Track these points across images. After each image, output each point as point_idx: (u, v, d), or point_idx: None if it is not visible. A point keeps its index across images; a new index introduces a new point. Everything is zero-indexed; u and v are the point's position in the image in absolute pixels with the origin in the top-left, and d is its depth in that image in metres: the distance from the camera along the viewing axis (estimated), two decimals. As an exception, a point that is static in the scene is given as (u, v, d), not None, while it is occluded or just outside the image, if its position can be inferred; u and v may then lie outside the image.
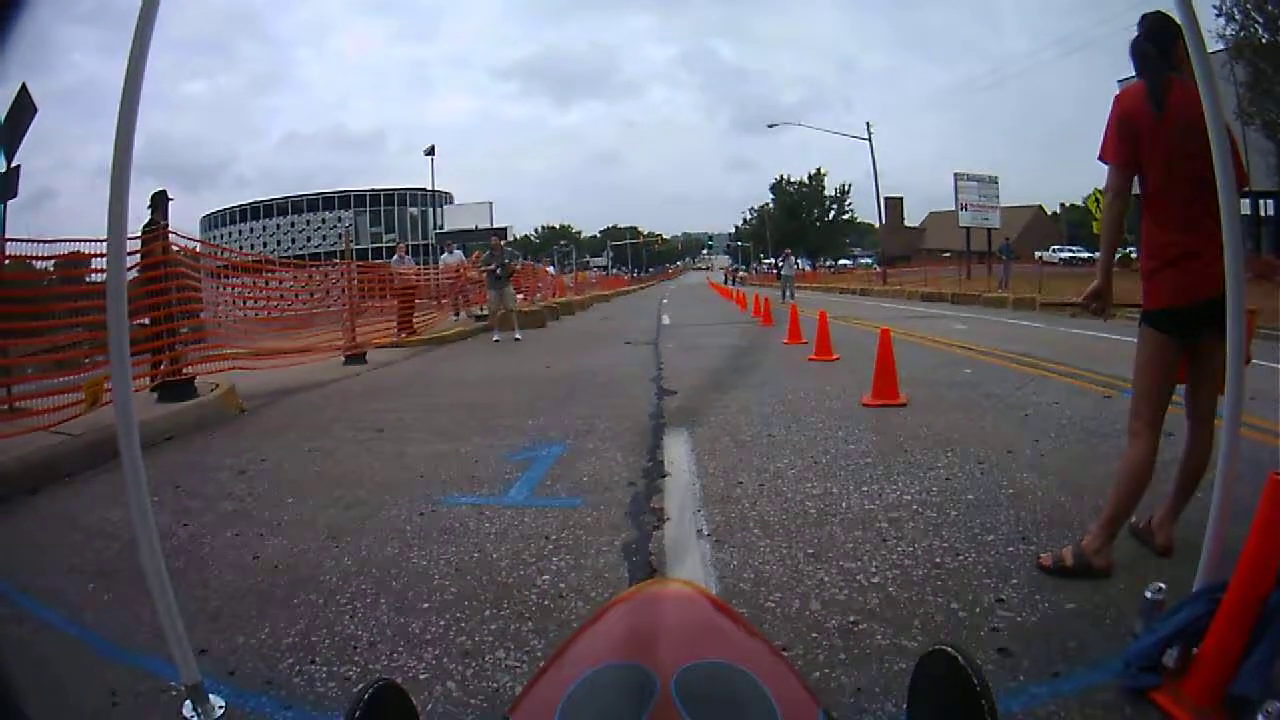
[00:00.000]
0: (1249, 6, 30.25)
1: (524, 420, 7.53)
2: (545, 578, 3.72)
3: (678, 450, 6.03)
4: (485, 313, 21.26)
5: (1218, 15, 30.74)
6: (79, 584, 3.96)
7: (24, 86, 6.66)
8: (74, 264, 8.35)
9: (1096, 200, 27.51)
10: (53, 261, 8.13)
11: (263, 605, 3.57)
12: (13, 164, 7.17)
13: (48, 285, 8.78)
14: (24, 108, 6.87)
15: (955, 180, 37.69)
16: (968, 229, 47.32)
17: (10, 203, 7.66)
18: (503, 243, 19.35)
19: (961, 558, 3.71)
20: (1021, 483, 4.43)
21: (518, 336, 17.48)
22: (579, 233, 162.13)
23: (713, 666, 0.97)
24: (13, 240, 7.52)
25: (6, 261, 7.65)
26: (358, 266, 16.54)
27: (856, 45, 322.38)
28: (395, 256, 20.34)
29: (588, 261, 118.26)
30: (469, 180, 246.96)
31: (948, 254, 59.84)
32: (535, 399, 8.81)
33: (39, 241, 7.60)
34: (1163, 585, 2.55)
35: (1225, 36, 30.76)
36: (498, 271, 17.32)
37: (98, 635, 3.32)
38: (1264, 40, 30.00)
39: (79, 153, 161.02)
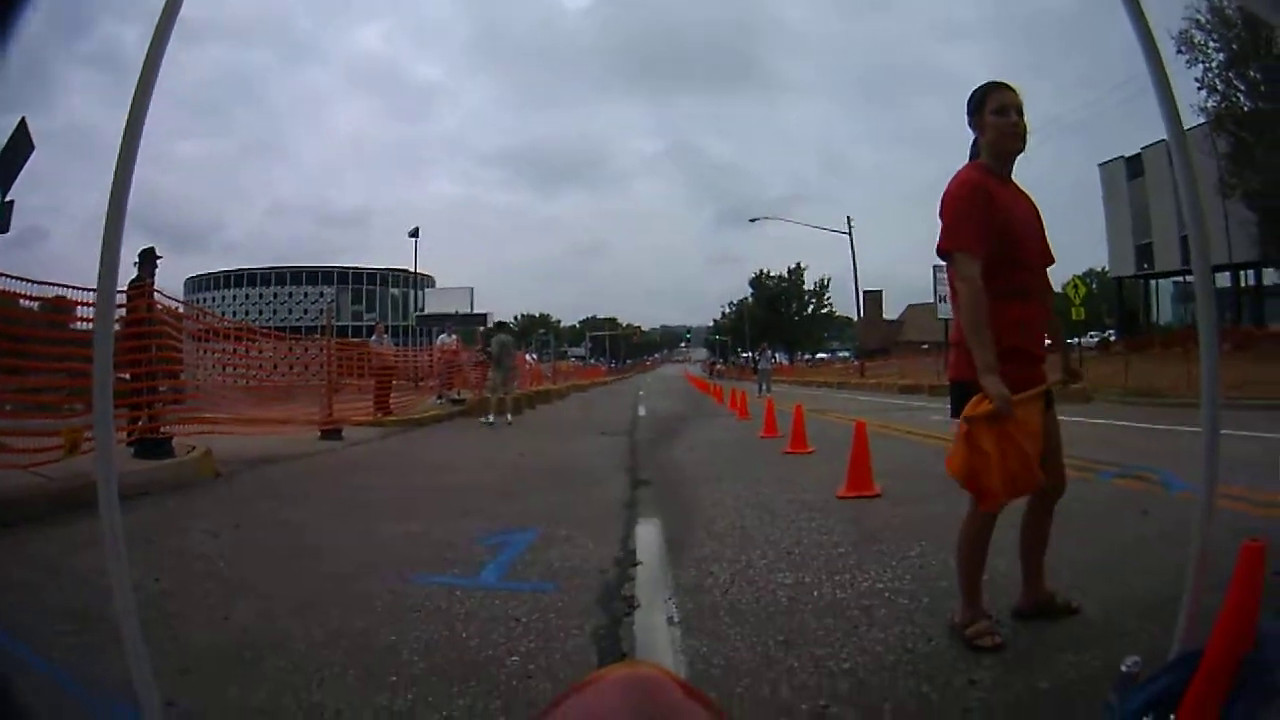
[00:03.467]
0: (1230, 75, 30.92)
1: (498, 505, 7.52)
2: (514, 659, 3.69)
3: (650, 539, 6.02)
4: (461, 397, 21.36)
5: (1199, 89, 31.44)
6: (50, 624, 3.94)
7: (23, 121, 6.72)
8: (59, 309, 8.37)
9: (1075, 287, 27.81)
10: (38, 303, 8.15)
11: (231, 665, 3.54)
12: (6, 198, 7.21)
13: (31, 326, 8.78)
14: (22, 143, 6.92)
15: (934, 273, 38.24)
16: (947, 321, 47.64)
17: (1, 238, 7.70)
18: (497, 330, 19.73)
19: (934, 643, 3.71)
20: (994, 569, 4.42)
21: (496, 419, 17.74)
22: (558, 321, 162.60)
23: None
24: (2, 276, 7.54)
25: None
26: (337, 343, 16.59)
27: (840, 141, 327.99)
28: (374, 336, 20.38)
29: (566, 351, 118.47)
30: (450, 264, 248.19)
31: (926, 345, 60.40)
32: (510, 485, 8.81)
33: (28, 281, 7.63)
34: (1138, 658, 2.56)
35: (1206, 110, 31.41)
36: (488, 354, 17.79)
37: (68, 676, 3.30)
38: (1245, 109, 30.58)
39: (73, 197, 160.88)
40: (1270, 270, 37.21)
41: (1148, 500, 6.40)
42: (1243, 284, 38.47)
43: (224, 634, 3.96)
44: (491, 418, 17.85)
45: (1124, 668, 2.55)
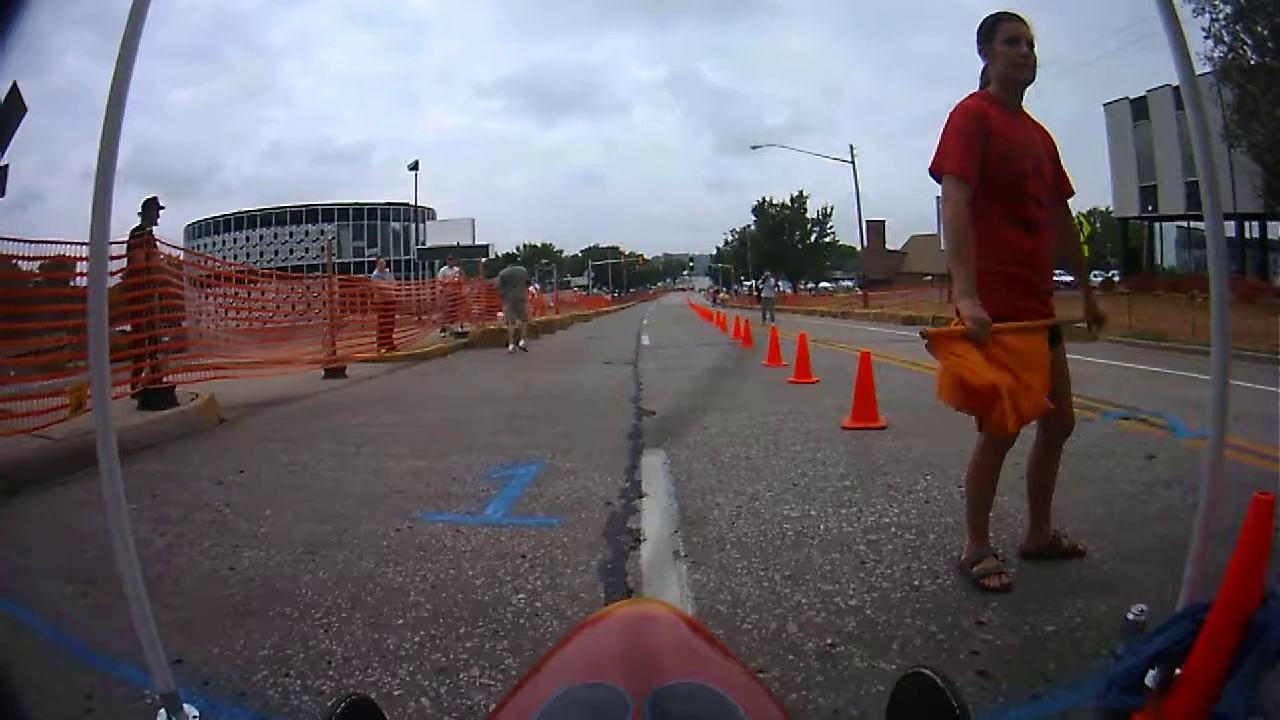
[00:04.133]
0: (1237, 29, 30.49)
1: (502, 438, 7.54)
2: (521, 596, 3.70)
3: (655, 471, 6.03)
4: (465, 330, 21.45)
5: (1206, 38, 30.99)
6: (56, 587, 3.95)
7: (15, 86, 6.61)
8: (59, 266, 8.31)
9: (1080, 225, 27.64)
10: (38, 264, 8.09)
11: (238, 617, 3.55)
12: (1, 162, 7.12)
13: (32, 287, 8.73)
14: (14, 107, 6.81)
15: (938, 203, 37.88)
16: (950, 251, 47.21)
17: (-1, 202, 7.62)
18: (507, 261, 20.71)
19: (941, 580, 3.71)
20: (1000, 505, 4.38)
21: (521, 347, 18.94)
22: (560, 251, 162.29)
23: (687, 687, 0.96)
24: (-2, 239, 7.48)
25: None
26: (339, 280, 16.52)
27: (842, 69, 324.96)
28: (375, 271, 20.33)
29: (569, 281, 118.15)
30: (452, 196, 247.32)
31: (929, 277, 60.07)
32: (513, 417, 8.81)
33: (24, 241, 7.57)
34: (1144, 607, 2.54)
35: (1213, 59, 31.02)
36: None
37: (74, 639, 3.29)
38: (1252, 62, 30.22)
39: (68, 155, 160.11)
40: (1276, 224, 36.92)
41: (1154, 445, 6.38)
42: (1247, 235, 38.15)
43: (230, 585, 3.97)
44: (511, 347, 18.87)
45: (1130, 616, 2.53)
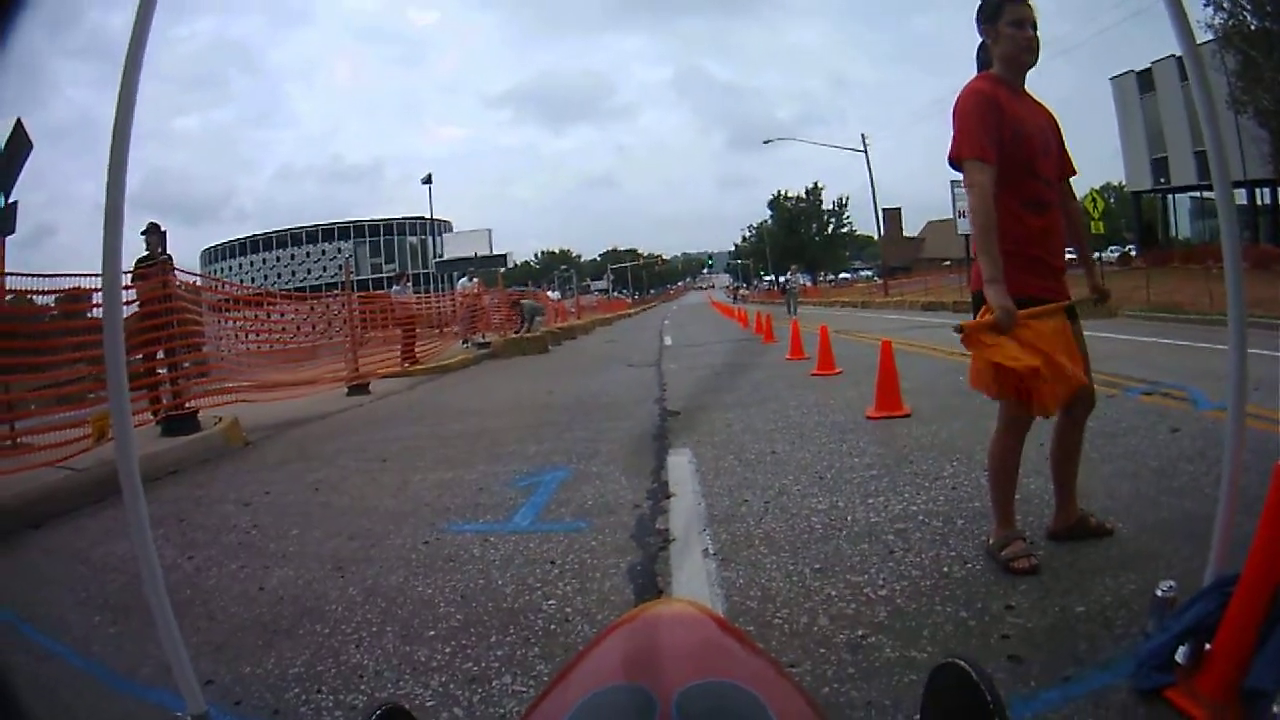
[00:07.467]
0: None
1: (528, 446, 7.53)
2: (551, 602, 3.70)
3: (682, 471, 6.01)
4: (487, 341, 21.57)
5: (1205, 5, 30.79)
6: (85, 616, 3.98)
7: (19, 122, 6.68)
8: (75, 299, 8.38)
9: (1094, 201, 27.49)
10: (53, 297, 8.16)
11: (268, 636, 3.56)
12: (10, 200, 7.20)
13: (49, 321, 8.81)
14: (19, 143, 6.88)
15: (953, 188, 37.56)
16: (967, 236, 46.93)
17: (10, 239, 7.71)
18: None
19: (969, 566, 3.68)
20: (1027, 488, 4.29)
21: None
22: (578, 257, 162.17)
23: (716, 686, 0.95)
24: (12, 274, 7.55)
25: (7, 297, 7.69)
26: (359, 297, 16.59)
27: (848, 57, 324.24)
28: (396, 286, 20.42)
29: (588, 285, 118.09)
30: (467, 207, 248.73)
31: (948, 262, 59.84)
32: (539, 424, 8.80)
33: (39, 276, 7.64)
34: (1173, 583, 2.51)
35: (1214, 26, 30.81)
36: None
37: (105, 667, 3.32)
38: (1253, 27, 29.99)
39: (77, 189, 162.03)
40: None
41: (1177, 418, 6.33)
42: (1259, 201, 37.80)
43: (259, 605, 3.99)
44: None
45: (1159, 592, 2.50)
